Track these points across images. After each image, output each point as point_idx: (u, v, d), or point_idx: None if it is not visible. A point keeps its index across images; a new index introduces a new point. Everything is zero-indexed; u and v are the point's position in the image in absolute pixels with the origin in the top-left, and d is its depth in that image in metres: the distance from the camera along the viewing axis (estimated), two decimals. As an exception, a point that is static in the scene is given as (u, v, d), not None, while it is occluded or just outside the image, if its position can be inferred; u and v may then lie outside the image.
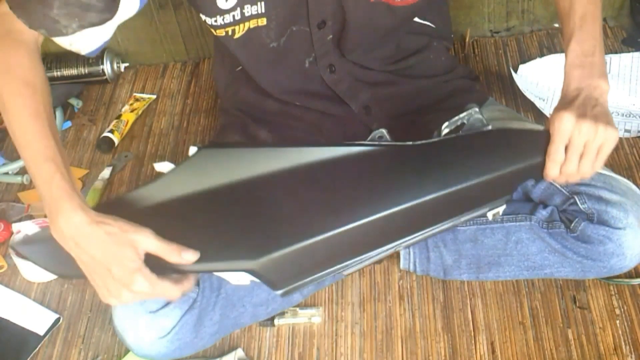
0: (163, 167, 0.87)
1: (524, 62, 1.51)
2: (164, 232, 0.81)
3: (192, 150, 0.87)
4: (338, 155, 0.88)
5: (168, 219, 0.84)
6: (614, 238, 0.98)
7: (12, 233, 1.33)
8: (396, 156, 0.89)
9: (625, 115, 1.37)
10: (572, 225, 1.01)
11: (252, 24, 0.97)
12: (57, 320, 1.20)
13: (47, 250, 0.90)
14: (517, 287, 1.14)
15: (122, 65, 1.66)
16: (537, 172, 0.89)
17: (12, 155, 1.52)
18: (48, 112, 0.88)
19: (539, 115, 1.37)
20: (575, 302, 1.11)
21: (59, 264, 0.89)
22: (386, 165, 0.89)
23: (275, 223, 0.85)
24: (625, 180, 1.05)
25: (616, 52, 1.49)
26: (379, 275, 1.19)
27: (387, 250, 0.88)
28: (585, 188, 1.02)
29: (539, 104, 1.39)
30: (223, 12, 0.95)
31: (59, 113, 1.58)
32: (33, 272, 1.25)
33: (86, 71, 1.63)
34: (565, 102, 0.88)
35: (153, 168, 1.46)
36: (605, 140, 0.85)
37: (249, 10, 0.95)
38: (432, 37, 1.14)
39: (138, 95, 1.63)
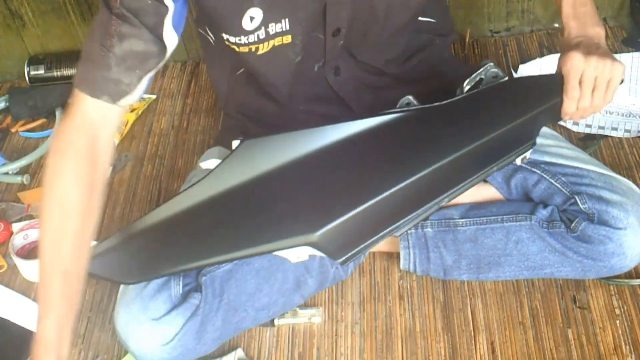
0: (210, 164, 0.93)
1: (524, 62, 1.51)
2: (222, 223, 0.89)
3: (235, 143, 0.91)
4: (372, 126, 0.94)
5: (224, 210, 0.91)
6: (615, 238, 0.98)
7: (12, 233, 1.33)
8: (426, 118, 0.96)
9: (625, 115, 1.37)
10: (573, 225, 1.01)
11: (277, 41, 0.97)
12: None
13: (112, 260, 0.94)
14: (517, 287, 1.14)
15: (122, 65, 1.66)
16: (555, 113, 0.96)
17: (12, 155, 1.52)
18: (74, 246, 0.84)
19: (539, 115, 1.37)
20: (575, 302, 1.11)
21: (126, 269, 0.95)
22: (419, 127, 0.96)
23: (326, 196, 0.90)
24: (625, 180, 1.05)
25: (616, 52, 1.49)
26: (379, 275, 1.19)
27: (433, 206, 0.93)
28: (586, 188, 1.02)
29: (539, 104, 1.39)
30: (248, 33, 0.95)
31: (59, 113, 1.58)
32: (33, 272, 1.25)
33: (86, 71, 1.63)
34: (570, 47, 0.93)
35: (152, 168, 1.46)
36: (613, 74, 0.91)
37: (273, 28, 0.95)
38: (434, 34, 1.15)
39: (138, 95, 1.63)
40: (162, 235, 0.92)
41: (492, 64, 0.98)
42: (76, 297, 0.85)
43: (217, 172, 0.91)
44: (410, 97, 0.98)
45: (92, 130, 0.87)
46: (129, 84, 0.86)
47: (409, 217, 0.91)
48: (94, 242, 0.90)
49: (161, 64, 0.90)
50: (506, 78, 0.99)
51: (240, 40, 0.95)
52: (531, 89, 1.00)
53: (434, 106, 0.96)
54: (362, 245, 0.90)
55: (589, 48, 0.91)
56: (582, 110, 0.94)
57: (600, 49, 0.92)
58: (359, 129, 0.94)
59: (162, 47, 0.88)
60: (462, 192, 0.95)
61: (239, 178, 0.91)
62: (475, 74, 0.99)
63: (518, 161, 0.99)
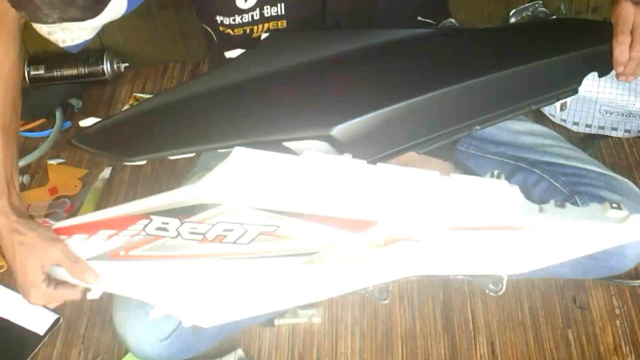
0: (234, 54, 0.89)
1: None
2: (238, 109, 0.86)
3: (264, 35, 0.89)
4: (408, 36, 0.91)
5: (243, 98, 0.87)
6: (614, 238, 0.98)
7: (12, 233, 1.33)
8: (467, 39, 0.93)
9: (625, 115, 1.37)
10: (573, 225, 1.01)
11: (272, 25, 0.97)
12: (57, 320, 1.20)
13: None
14: (517, 287, 1.14)
15: (122, 65, 1.66)
16: (604, 63, 0.93)
17: (12, 155, 1.53)
18: (6, 103, 0.90)
19: (539, 115, 1.37)
20: (575, 302, 1.11)
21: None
22: (458, 45, 0.93)
23: (350, 95, 0.87)
24: (625, 180, 1.05)
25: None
26: (379, 275, 1.19)
27: (463, 128, 0.89)
28: (586, 188, 1.02)
29: (539, 104, 1.38)
30: (242, 12, 0.95)
31: (58, 113, 1.58)
32: (33, 272, 1.25)
33: (86, 71, 1.63)
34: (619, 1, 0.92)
35: (152, 168, 1.46)
36: None
37: (268, 11, 0.95)
38: None
39: (138, 95, 1.63)
40: (175, 114, 0.88)
41: (540, 1, 0.96)
42: (16, 150, 0.91)
43: (240, 59, 0.88)
44: (452, 20, 0.95)
45: (7, 23, 0.93)
46: (46, 15, 0.86)
47: (436, 135, 0.88)
48: (91, 120, 0.88)
49: (91, 22, 0.89)
50: (554, 17, 0.96)
51: (234, 20, 0.96)
52: (580, 31, 0.97)
53: (476, 29, 0.94)
54: (385, 153, 0.87)
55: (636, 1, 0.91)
56: (635, 60, 0.92)
57: None
58: (395, 38, 0.91)
59: (95, 6, 0.86)
60: (495, 122, 0.91)
61: (261, 69, 0.88)
62: (522, 7, 0.96)
63: (558, 107, 0.94)
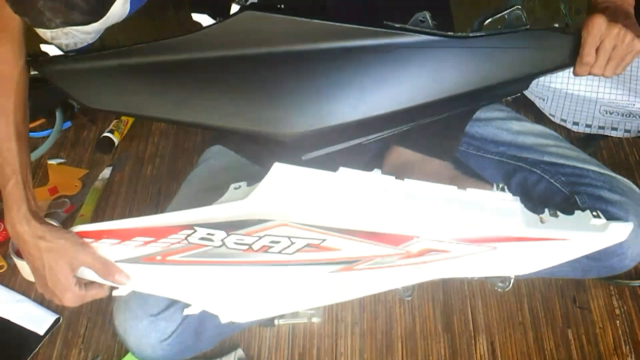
0: (201, 18, 0.87)
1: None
2: (199, 85, 0.87)
3: (234, 8, 0.86)
4: (378, 42, 0.90)
5: (204, 74, 0.87)
6: (614, 238, 0.98)
7: (12, 233, 1.33)
8: (432, 46, 0.93)
9: (625, 115, 1.37)
10: (572, 225, 1.01)
11: None
12: (57, 320, 1.20)
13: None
14: (517, 287, 1.14)
15: (122, 65, 1.66)
16: (563, 70, 0.96)
17: (12, 155, 1.53)
18: (18, 110, 0.91)
19: (539, 115, 1.37)
20: (575, 302, 1.11)
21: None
22: (422, 55, 0.92)
23: (310, 100, 0.88)
24: (625, 180, 1.05)
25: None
26: (379, 275, 1.19)
27: (407, 126, 0.93)
28: (586, 188, 1.02)
29: (539, 103, 1.38)
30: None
31: (58, 113, 1.58)
32: (33, 272, 1.25)
33: (86, 71, 1.63)
34: (597, 11, 0.91)
35: (152, 168, 1.46)
36: (631, 50, 0.89)
37: None
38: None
39: (138, 95, 1.63)
40: (143, 76, 0.90)
41: (519, 6, 0.96)
42: (29, 157, 0.93)
43: (207, 33, 0.86)
44: (426, 13, 0.93)
45: (11, 30, 0.92)
46: (49, 20, 0.86)
47: (381, 134, 0.92)
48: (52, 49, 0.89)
49: (95, 26, 0.89)
50: (527, 27, 0.96)
51: None
52: (546, 47, 0.97)
53: (445, 35, 0.93)
54: (326, 151, 0.90)
55: (615, 15, 0.90)
56: (591, 74, 0.94)
57: (628, 20, 0.90)
58: (363, 40, 0.90)
59: (97, 10, 0.87)
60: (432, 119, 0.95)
61: (228, 48, 0.87)
62: (499, 15, 0.97)
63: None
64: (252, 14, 0.85)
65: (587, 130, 1.36)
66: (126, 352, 1.12)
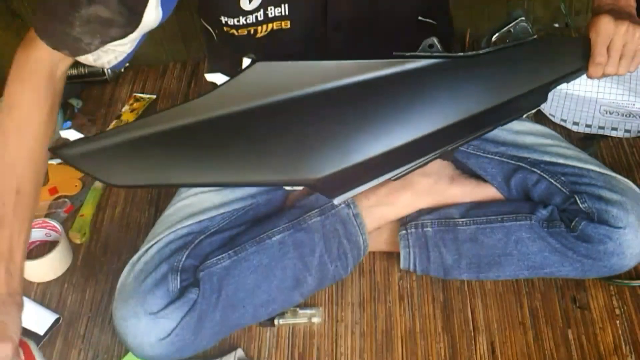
0: (215, 77, 0.87)
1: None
2: (222, 145, 0.86)
3: (246, 62, 0.86)
4: (391, 71, 0.90)
5: (225, 132, 0.87)
6: (614, 237, 0.98)
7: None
8: (446, 69, 0.93)
9: (625, 115, 1.37)
10: (573, 224, 1.01)
11: (276, 25, 0.97)
12: (57, 320, 1.20)
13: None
14: (517, 287, 1.14)
15: (122, 66, 1.66)
16: (577, 76, 0.96)
17: (12, 155, 1.52)
18: (28, 164, 0.90)
19: (539, 115, 1.37)
20: (575, 302, 1.11)
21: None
22: (436, 78, 0.92)
23: (332, 139, 0.88)
24: (625, 179, 1.05)
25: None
26: (379, 275, 1.19)
27: (433, 156, 0.93)
28: (586, 187, 1.02)
29: (539, 104, 1.38)
30: (246, 13, 0.95)
31: (59, 113, 1.57)
32: (33, 272, 1.25)
33: (86, 71, 1.63)
34: (601, 12, 0.91)
35: (153, 168, 1.46)
36: None
37: (272, 11, 0.95)
38: (434, 35, 1.15)
39: (138, 95, 1.63)
40: (162, 144, 0.88)
41: (523, 17, 0.97)
42: (28, 214, 0.92)
43: (223, 90, 0.86)
44: (434, 39, 0.93)
45: (52, 63, 0.91)
46: (88, 44, 0.87)
47: (409, 166, 0.92)
48: (72, 133, 0.87)
49: (133, 36, 0.89)
50: (535, 37, 0.97)
51: (238, 21, 0.96)
52: (557, 54, 0.98)
53: (456, 56, 0.93)
54: (358, 189, 0.91)
55: (619, 14, 0.90)
56: (606, 74, 0.94)
57: (632, 18, 0.91)
58: (377, 72, 0.90)
59: (133, 19, 0.87)
60: (460, 145, 0.96)
61: (245, 101, 0.86)
62: (505, 28, 0.97)
63: (524, 116, 1.00)
64: (264, 65, 0.85)
65: (587, 130, 1.36)
66: (126, 351, 1.12)
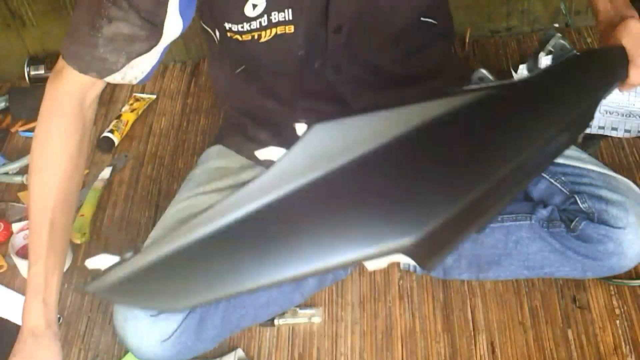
0: (269, 152, 0.73)
1: (524, 62, 1.51)
2: (297, 227, 0.70)
3: (301, 128, 0.73)
4: (448, 109, 0.80)
5: (299, 210, 0.72)
6: (614, 237, 0.98)
7: (12, 233, 1.33)
8: (504, 97, 0.86)
9: (625, 115, 1.37)
10: (573, 224, 1.01)
11: (280, 30, 0.97)
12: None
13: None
14: (517, 287, 1.14)
15: (122, 66, 1.66)
16: (614, 87, 0.95)
17: (12, 155, 1.52)
18: (59, 196, 0.90)
19: (539, 115, 1.37)
20: (575, 302, 1.11)
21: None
22: (499, 108, 0.85)
23: (415, 193, 0.74)
24: (625, 179, 1.05)
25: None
26: (379, 275, 1.19)
27: (514, 194, 0.85)
28: (586, 187, 1.02)
29: (539, 104, 1.38)
30: (250, 20, 0.95)
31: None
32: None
33: (86, 71, 1.63)
34: (620, 19, 0.91)
35: (152, 168, 1.46)
36: None
37: (276, 17, 0.95)
38: (435, 35, 1.15)
39: (138, 95, 1.63)
40: (207, 252, 0.69)
41: (559, 34, 0.95)
42: (62, 246, 0.92)
43: (279, 166, 0.71)
44: (483, 71, 0.88)
45: (82, 92, 0.91)
46: (115, 62, 0.87)
47: (495, 209, 0.79)
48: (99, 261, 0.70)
49: (157, 48, 0.89)
50: (574, 51, 0.96)
51: (242, 27, 0.96)
52: (601, 64, 0.96)
53: (512, 82, 0.88)
54: (450, 248, 0.77)
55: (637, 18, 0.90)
56: None
57: None
58: (434, 113, 0.79)
59: (155, 31, 0.87)
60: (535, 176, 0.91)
61: (307, 172, 0.72)
62: (548, 48, 0.96)
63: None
64: (323, 126, 0.74)
65: (587, 130, 1.36)
66: (126, 352, 1.12)
